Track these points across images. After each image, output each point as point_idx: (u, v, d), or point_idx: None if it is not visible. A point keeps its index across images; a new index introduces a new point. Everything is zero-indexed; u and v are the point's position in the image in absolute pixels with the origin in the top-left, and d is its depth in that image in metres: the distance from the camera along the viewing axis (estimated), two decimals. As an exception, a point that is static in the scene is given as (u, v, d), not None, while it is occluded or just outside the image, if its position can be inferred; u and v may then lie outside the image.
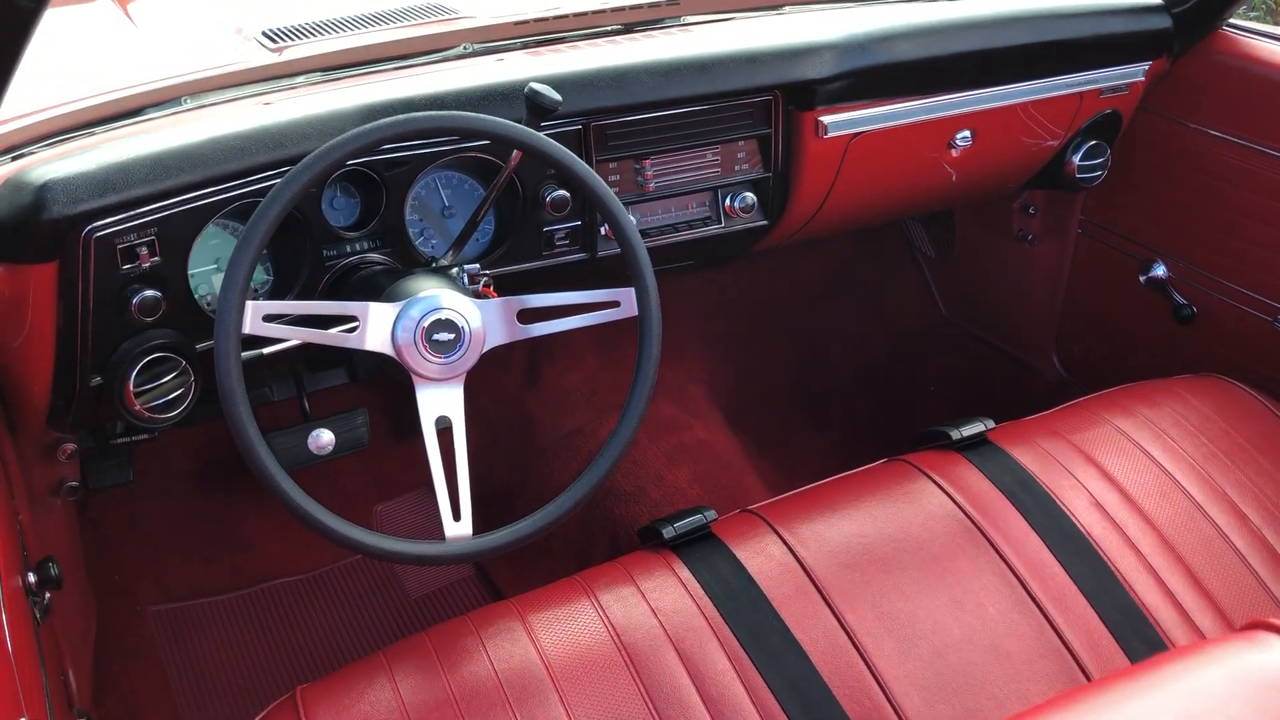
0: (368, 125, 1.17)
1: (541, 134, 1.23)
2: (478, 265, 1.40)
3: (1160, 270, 1.97)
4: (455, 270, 1.37)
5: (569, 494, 1.23)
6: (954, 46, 1.63)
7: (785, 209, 1.69)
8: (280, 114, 1.33)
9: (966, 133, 1.73)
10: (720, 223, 1.65)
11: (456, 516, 1.20)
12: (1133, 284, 2.01)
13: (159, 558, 1.96)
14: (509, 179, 1.35)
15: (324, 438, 1.28)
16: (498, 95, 1.41)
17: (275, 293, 1.42)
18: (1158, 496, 1.49)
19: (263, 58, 1.55)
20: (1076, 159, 1.89)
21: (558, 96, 1.25)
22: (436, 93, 1.38)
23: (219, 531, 1.99)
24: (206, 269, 1.37)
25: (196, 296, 1.34)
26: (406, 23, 1.67)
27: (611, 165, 1.54)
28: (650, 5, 1.72)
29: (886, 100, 1.63)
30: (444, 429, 1.21)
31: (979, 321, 2.37)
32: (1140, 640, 1.34)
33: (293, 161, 1.28)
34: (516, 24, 1.65)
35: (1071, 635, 1.34)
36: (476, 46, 1.64)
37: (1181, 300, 1.93)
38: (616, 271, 1.54)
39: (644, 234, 1.61)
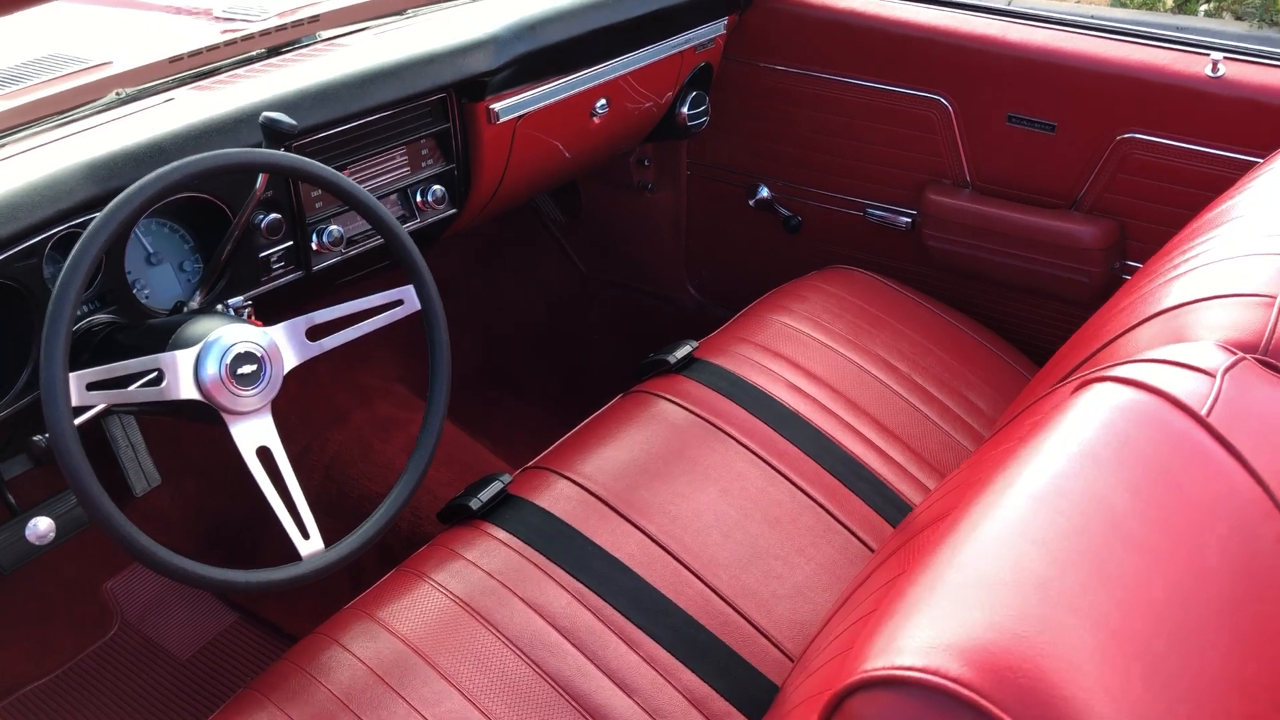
0: (152, 176, 1.16)
1: (306, 158, 1.29)
2: (241, 298, 1.41)
3: (765, 192, 2.31)
4: (220, 307, 1.37)
5: (406, 478, 1.30)
6: (588, 25, 1.83)
7: (469, 194, 1.82)
8: None
9: (604, 100, 1.95)
10: (416, 218, 1.75)
11: (305, 535, 1.24)
12: (744, 209, 2.35)
13: None
14: (221, 208, 1.38)
15: (42, 525, 1.26)
16: (215, 130, 1.42)
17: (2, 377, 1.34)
18: (835, 370, 1.81)
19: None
20: (685, 109, 2.17)
21: (294, 122, 1.30)
22: (152, 138, 1.37)
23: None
24: None
25: None
26: (38, 80, 1.60)
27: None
28: (293, 25, 1.77)
29: (542, 81, 1.81)
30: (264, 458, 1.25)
31: (618, 270, 2.62)
32: (859, 480, 1.65)
33: (28, 233, 1.23)
34: (171, 61, 1.64)
35: (814, 491, 1.61)
36: (130, 91, 1.60)
37: (788, 213, 2.29)
38: (325, 280, 1.62)
39: (350, 242, 1.67)
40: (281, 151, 1.27)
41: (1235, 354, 1.05)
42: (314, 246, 1.61)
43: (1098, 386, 1.04)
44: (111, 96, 1.60)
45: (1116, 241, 1.93)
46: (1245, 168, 1.75)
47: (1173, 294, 1.24)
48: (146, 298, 1.47)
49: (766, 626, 1.44)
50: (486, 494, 1.51)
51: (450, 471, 2.03)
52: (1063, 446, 0.79)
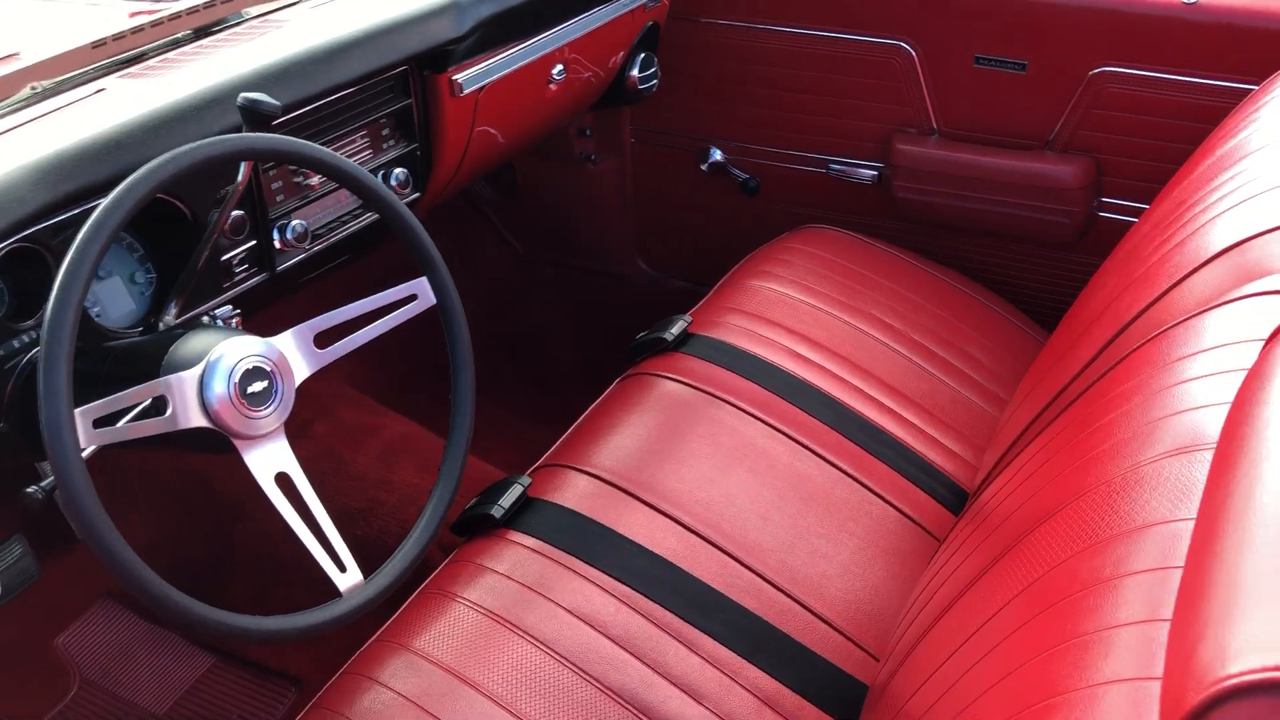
0: (157, 163, 1.01)
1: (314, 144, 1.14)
2: (229, 307, 1.25)
3: (718, 155, 2.22)
4: (206, 319, 1.21)
5: (441, 489, 1.17)
6: None
7: (431, 175, 1.67)
8: None
9: (560, 67, 1.82)
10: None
11: (342, 567, 1.10)
12: (695, 175, 2.25)
13: None
14: (179, 209, 1.22)
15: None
16: (178, 117, 1.24)
17: None
18: (833, 334, 1.74)
19: None
20: (635, 72, 2.06)
21: (276, 102, 1.15)
22: (104, 132, 1.19)
23: None
24: None
25: None
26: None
27: (271, 172, 1.43)
28: (222, 3, 1.59)
29: (504, 47, 1.67)
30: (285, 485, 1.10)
31: (561, 249, 2.50)
32: (883, 446, 1.58)
33: None
34: (94, 47, 1.45)
35: (841, 462, 1.53)
36: (48, 84, 1.41)
37: (744, 176, 2.20)
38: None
39: (315, 236, 1.52)
40: (302, 140, 1.12)
41: None
42: (277, 244, 1.45)
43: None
44: (26, 91, 1.40)
45: (1094, 180, 1.90)
46: (1224, 95, 1.73)
47: (1222, 233, 1.19)
48: (98, 316, 1.29)
49: (823, 611, 1.35)
50: (507, 500, 1.38)
51: (415, 465, 1.89)
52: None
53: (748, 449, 1.51)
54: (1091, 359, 1.27)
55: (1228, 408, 0.86)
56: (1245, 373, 0.89)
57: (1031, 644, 0.77)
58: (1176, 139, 1.77)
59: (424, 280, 1.20)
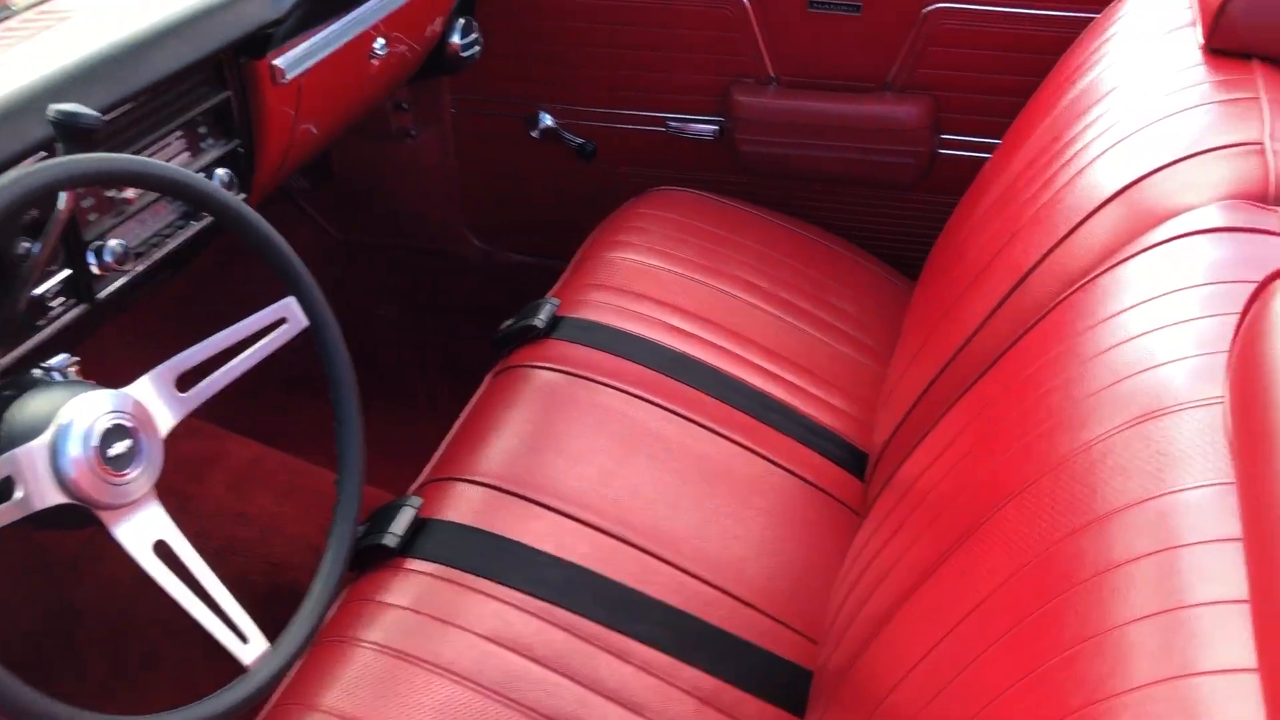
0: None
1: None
2: (65, 355, 1.08)
3: (548, 120, 2.11)
4: (38, 372, 1.04)
5: (340, 530, 1.05)
6: None
7: (255, 174, 1.51)
8: None
9: (382, 40, 1.68)
10: (198, 217, 1.43)
11: (244, 638, 0.97)
12: (526, 142, 2.13)
13: None
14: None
15: None
16: None
17: None
18: (702, 300, 1.68)
19: None
20: (456, 39, 1.92)
21: (97, 113, 0.98)
22: None
23: None
24: None
25: None
26: None
27: (80, 190, 1.24)
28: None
29: (323, 25, 1.52)
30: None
31: (385, 232, 2.34)
32: (770, 411, 1.53)
33: None
34: None
35: (734, 434, 1.48)
36: None
37: (579, 140, 2.10)
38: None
39: (136, 255, 1.34)
40: (136, 156, 0.97)
41: (1262, 206, 1.01)
42: (95, 270, 1.27)
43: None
44: None
45: (936, 118, 1.90)
46: (1064, 25, 1.74)
47: (1109, 174, 1.19)
48: None
49: (748, 596, 1.30)
50: (399, 525, 1.26)
51: (297, 504, 1.73)
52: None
53: (642, 434, 1.44)
54: (991, 312, 1.25)
55: (1188, 363, 0.84)
56: (1195, 324, 0.88)
57: (1043, 642, 0.74)
58: (1017, 72, 1.78)
59: (291, 300, 1.07)
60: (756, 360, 1.61)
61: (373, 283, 2.39)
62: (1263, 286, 0.71)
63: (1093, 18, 1.58)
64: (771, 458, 1.47)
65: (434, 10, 1.83)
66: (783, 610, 1.30)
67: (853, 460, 1.52)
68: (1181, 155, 1.12)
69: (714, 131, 2.02)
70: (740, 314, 1.68)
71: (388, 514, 1.28)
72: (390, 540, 1.24)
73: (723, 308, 1.68)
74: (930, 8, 1.82)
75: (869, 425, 1.57)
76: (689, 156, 2.06)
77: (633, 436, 1.43)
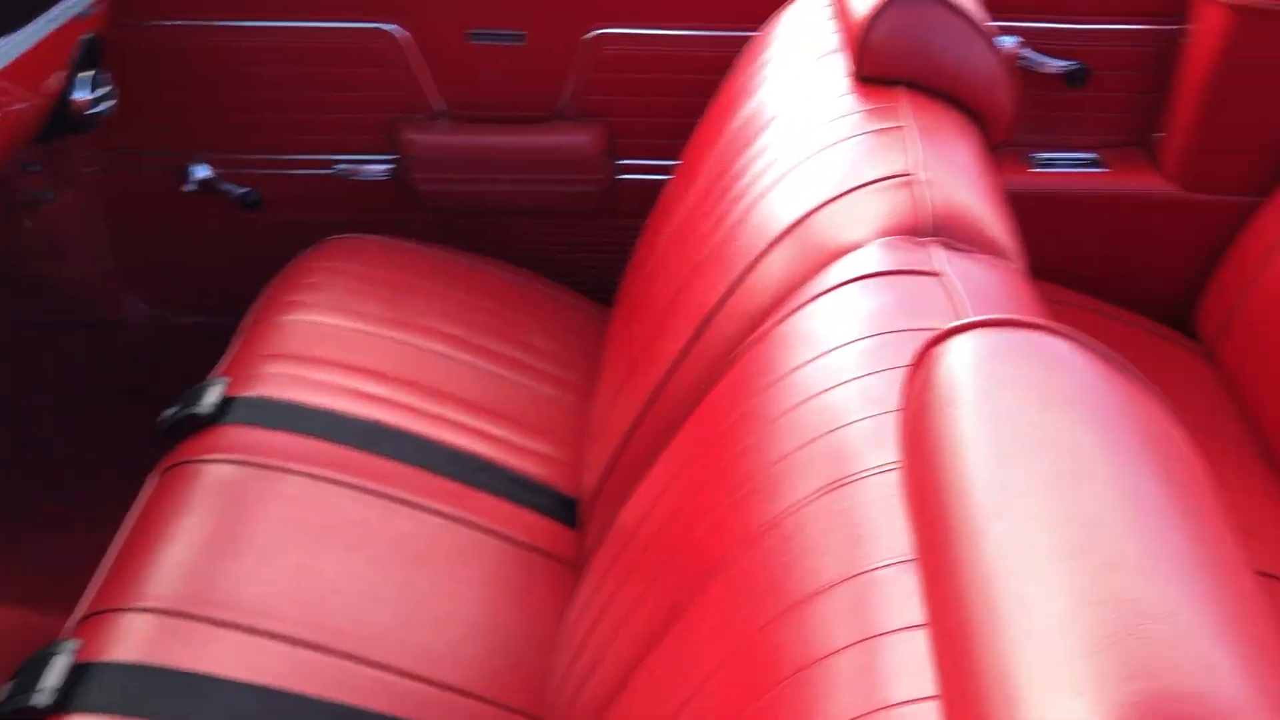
0: None
1: None
2: None
3: (204, 172, 1.93)
4: None
5: None
6: None
7: None
8: None
9: None
10: None
11: None
12: (180, 197, 1.95)
13: None
14: None
15: None
16: None
17: None
18: (391, 358, 1.58)
19: None
20: (84, 95, 1.72)
21: None
22: None
23: None
24: None
25: None
26: None
27: None
28: None
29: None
30: None
31: (30, 309, 2.09)
32: (475, 471, 1.46)
33: None
34: None
35: (435, 503, 1.39)
36: None
37: (242, 190, 1.94)
38: None
39: None
40: None
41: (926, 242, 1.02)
42: None
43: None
44: None
45: (611, 144, 1.87)
46: (727, 44, 1.74)
47: (779, 208, 1.18)
48: None
49: (462, 684, 1.22)
50: (51, 678, 1.10)
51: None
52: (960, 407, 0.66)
53: (334, 521, 1.33)
54: (684, 350, 1.22)
55: (865, 425, 0.83)
56: (864, 381, 0.87)
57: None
58: (686, 93, 1.77)
59: None
60: (456, 416, 1.52)
61: (28, 365, 2.13)
62: (922, 355, 0.70)
63: (752, 35, 1.59)
64: (480, 523, 1.39)
65: (49, 65, 1.62)
66: (502, 692, 1.22)
67: (564, 510, 1.47)
68: (840, 191, 1.12)
69: (388, 171, 1.91)
70: (434, 368, 1.59)
71: (35, 666, 1.11)
72: (40, 699, 1.08)
73: (415, 363, 1.59)
74: (591, 34, 1.78)
75: (578, 466, 1.52)
76: (366, 199, 1.94)
77: (324, 526, 1.32)
